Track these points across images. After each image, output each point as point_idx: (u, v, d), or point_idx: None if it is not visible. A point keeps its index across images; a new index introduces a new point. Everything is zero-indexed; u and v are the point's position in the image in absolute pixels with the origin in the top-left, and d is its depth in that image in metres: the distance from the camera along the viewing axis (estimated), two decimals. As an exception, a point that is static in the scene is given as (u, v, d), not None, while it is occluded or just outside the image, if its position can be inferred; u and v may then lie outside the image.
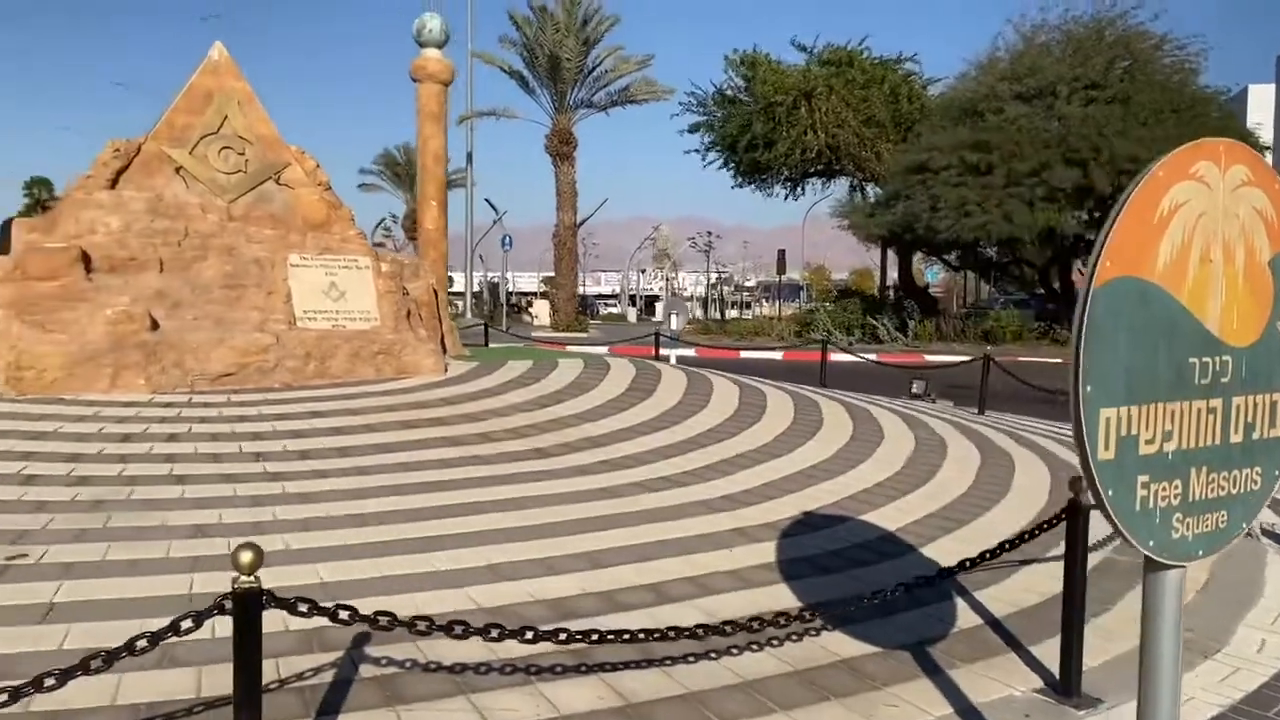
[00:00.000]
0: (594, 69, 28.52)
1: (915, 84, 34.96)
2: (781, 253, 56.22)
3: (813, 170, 34.42)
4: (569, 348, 20.12)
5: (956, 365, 13.06)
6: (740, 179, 34.90)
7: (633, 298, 68.43)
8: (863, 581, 4.06)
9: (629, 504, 4.95)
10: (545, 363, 8.77)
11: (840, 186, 36.01)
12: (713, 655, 3.26)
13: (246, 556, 2.01)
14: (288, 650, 3.09)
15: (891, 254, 45.17)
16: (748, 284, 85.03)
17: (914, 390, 12.07)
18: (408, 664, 3.07)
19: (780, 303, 61.12)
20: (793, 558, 4.33)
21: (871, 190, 36.46)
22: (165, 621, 3.32)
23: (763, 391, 8.42)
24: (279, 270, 7.70)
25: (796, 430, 6.96)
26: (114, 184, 7.57)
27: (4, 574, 3.64)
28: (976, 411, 9.95)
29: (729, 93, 34.96)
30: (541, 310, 43.09)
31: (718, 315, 59.64)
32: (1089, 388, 1.75)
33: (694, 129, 34.48)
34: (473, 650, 3.12)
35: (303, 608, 2.12)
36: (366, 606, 2.44)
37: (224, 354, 6.97)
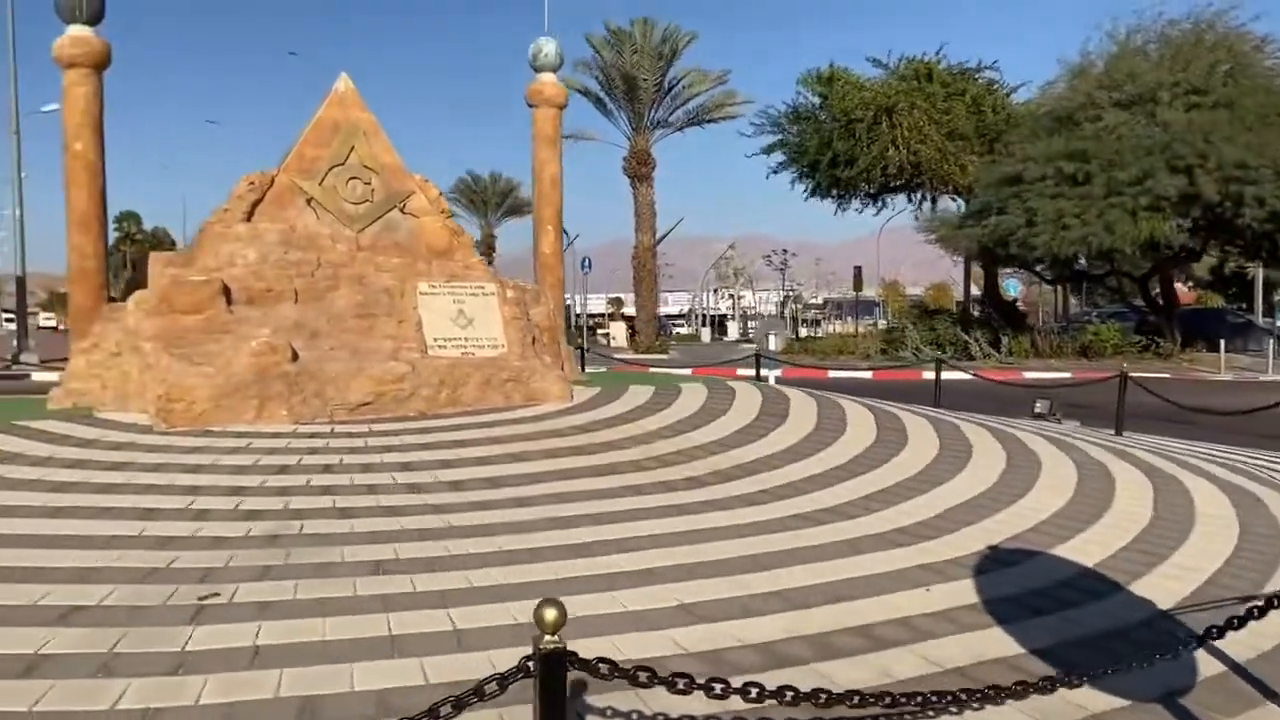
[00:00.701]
0: (671, 88, 28.52)
1: (998, 94, 34.15)
2: (858, 269, 55.45)
3: (894, 185, 33.82)
4: (652, 370, 19.98)
5: (1086, 383, 12.54)
6: (819, 196, 34.47)
7: (701, 317, 68.12)
8: (1079, 624, 3.78)
9: (803, 537, 4.73)
10: (668, 388, 8.61)
11: (920, 201, 35.27)
12: (953, 710, 3.02)
13: (551, 615, 1.86)
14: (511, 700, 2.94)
15: (969, 266, 44.14)
16: (814, 300, 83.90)
17: (1037, 410, 11.59)
18: (634, 716, 2.90)
19: (857, 320, 60.22)
20: (995, 598, 4.06)
21: (954, 201, 35.70)
22: (373, 666, 3.25)
23: (894, 414, 8.12)
24: (409, 298, 7.70)
25: (947, 456, 6.65)
26: (249, 217, 7.68)
27: (201, 614, 3.58)
28: (1113, 433, 9.47)
29: (803, 110, 34.62)
30: (617, 331, 43.11)
31: (792, 333, 58.99)
32: None
33: (770, 149, 34.21)
34: (694, 705, 2.93)
35: (603, 668, 1.95)
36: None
37: (362, 383, 6.97)
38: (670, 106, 28.57)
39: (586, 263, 35.88)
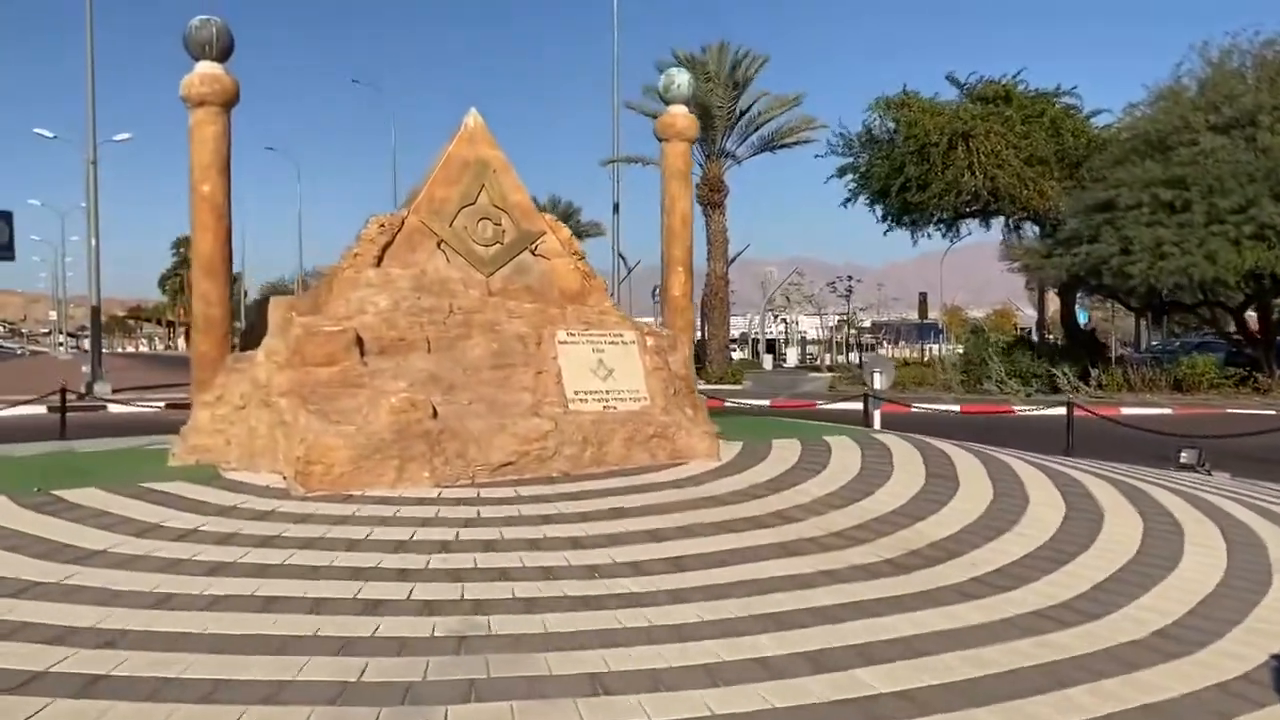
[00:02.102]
0: (743, 114, 28.02)
1: (1077, 118, 33.21)
2: (923, 295, 54.47)
3: (968, 211, 32.97)
4: (727, 402, 19.32)
5: (1194, 420, 11.66)
6: (891, 222, 33.73)
7: (755, 342, 67.20)
8: None
9: (1056, 644, 4.10)
10: (813, 442, 8.02)
11: (999, 227, 34.36)
12: None
13: None
14: None
15: (1043, 294, 42.87)
16: (863, 324, 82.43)
17: (1183, 460, 10.75)
18: None
19: (923, 345, 58.96)
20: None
21: (1031, 228, 34.71)
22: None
23: (1067, 475, 7.43)
24: (546, 347, 7.21)
25: (1157, 532, 5.96)
26: (379, 261, 7.27)
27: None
28: (1290, 491, 8.65)
29: (876, 134, 33.97)
30: (680, 359, 42.47)
31: (855, 360, 57.88)
32: None
33: (841, 172, 33.58)
34: None
35: None
36: None
37: (505, 442, 6.48)
38: (744, 132, 28.12)
39: (655, 292, 35.45)
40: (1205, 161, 22.72)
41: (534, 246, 7.79)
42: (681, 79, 8.44)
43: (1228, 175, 22.09)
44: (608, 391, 7.21)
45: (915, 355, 78.35)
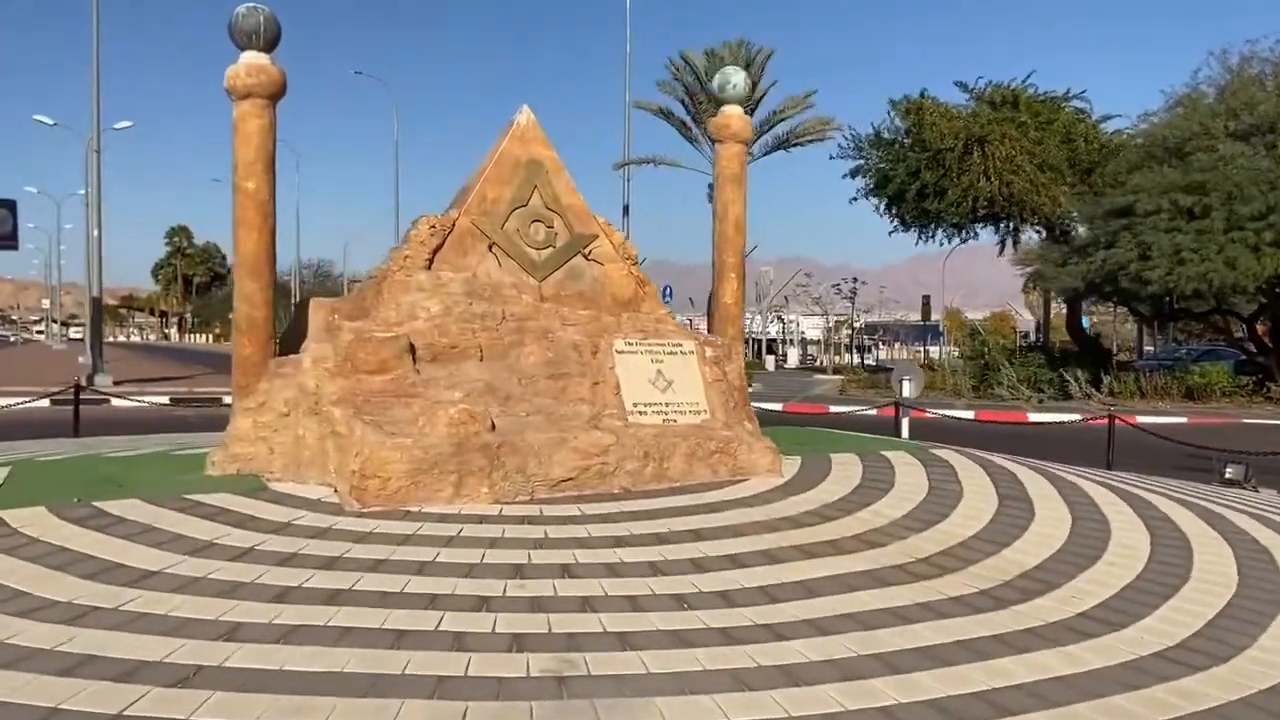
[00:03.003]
0: (755, 110, 27.71)
1: (1088, 123, 33.06)
2: (926, 299, 54.33)
3: (980, 217, 32.76)
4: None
5: (1209, 429, 11.45)
6: (904, 228, 33.53)
7: (754, 342, 66.99)
8: None
9: (1196, 697, 3.84)
10: (871, 457, 7.76)
11: (1007, 233, 34.17)
12: None
13: None
14: None
15: (1048, 299, 42.73)
16: (855, 325, 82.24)
17: (1228, 475, 10.54)
18: None
19: (925, 348, 58.82)
20: None
21: (1034, 233, 34.55)
22: None
23: (1138, 495, 7.19)
24: (603, 357, 6.93)
25: (1252, 563, 5.71)
26: (430, 264, 6.97)
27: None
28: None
29: (886, 135, 33.76)
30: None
31: (856, 361, 57.79)
32: None
33: (854, 174, 33.39)
34: None
35: None
36: None
37: (565, 456, 6.19)
38: (757, 130, 27.80)
39: (668, 291, 35.18)
40: (1225, 168, 22.58)
41: (587, 251, 7.50)
42: (737, 78, 8.15)
43: (1248, 182, 21.95)
44: (667, 404, 6.93)
45: (910, 357, 78.28)
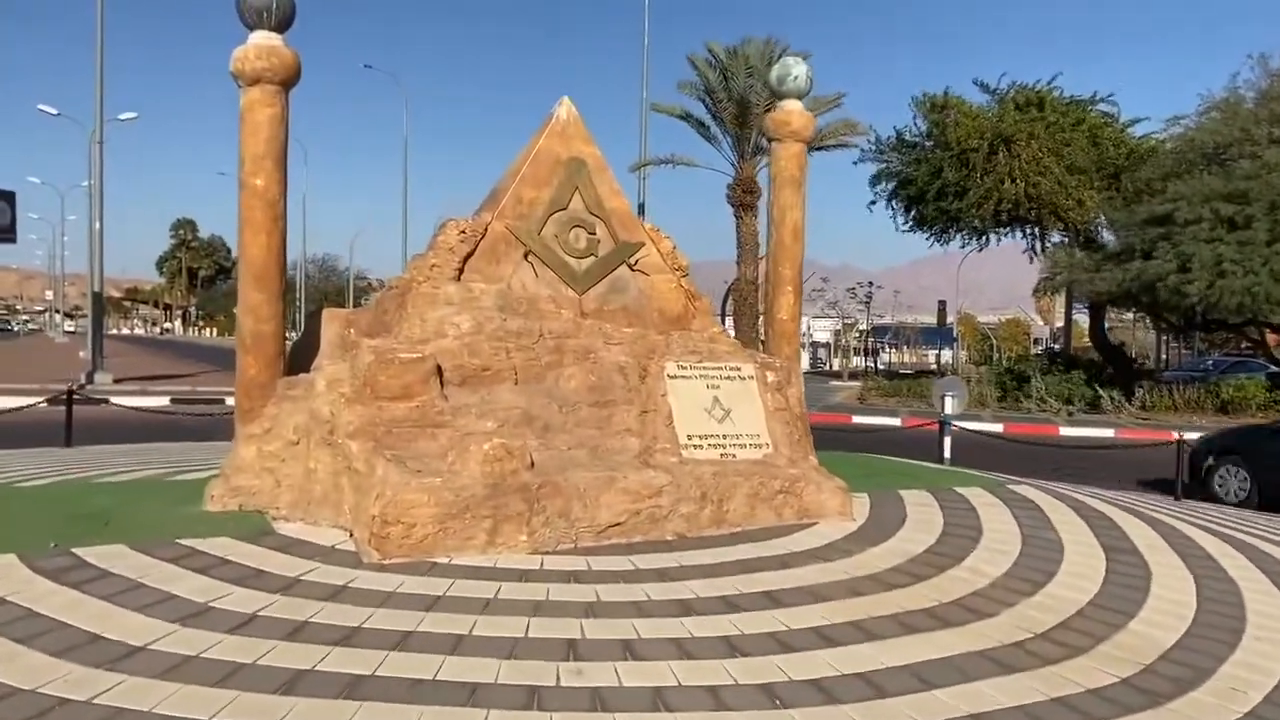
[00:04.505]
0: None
1: (1116, 126, 32.17)
2: (942, 304, 53.45)
3: (1003, 219, 31.88)
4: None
5: None
6: (924, 229, 32.68)
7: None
8: None
9: None
10: (946, 494, 6.98)
11: (1033, 237, 33.30)
12: None
13: None
14: None
15: (1070, 307, 41.85)
16: (863, 329, 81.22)
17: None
18: None
19: (939, 352, 57.87)
20: None
21: (1059, 236, 33.70)
22: None
23: (1252, 545, 6.39)
24: (653, 382, 6.14)
25: None
26: (459, 273, 6.19)
27: None
28: None
29: (909, 138, 32.92)
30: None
31: (870, 365, 56.92)
32: None
33: (876, 178, 32.56)
34: None
35: None
36: None
37: (614, 499, 5.41)
38: (780, 131, 27.00)
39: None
40: (1269, 175, 21.68)
41: (633, 261, 6.72)
42: (799, 69, 7.34)
43: (1293, 191, 21.07)
44: (724, 436, 6.14)
45: (915, 360, 77.30)
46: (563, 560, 5.16)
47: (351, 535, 5.27)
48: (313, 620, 4.20)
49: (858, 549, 5.57)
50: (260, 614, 4.25)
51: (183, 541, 5.14)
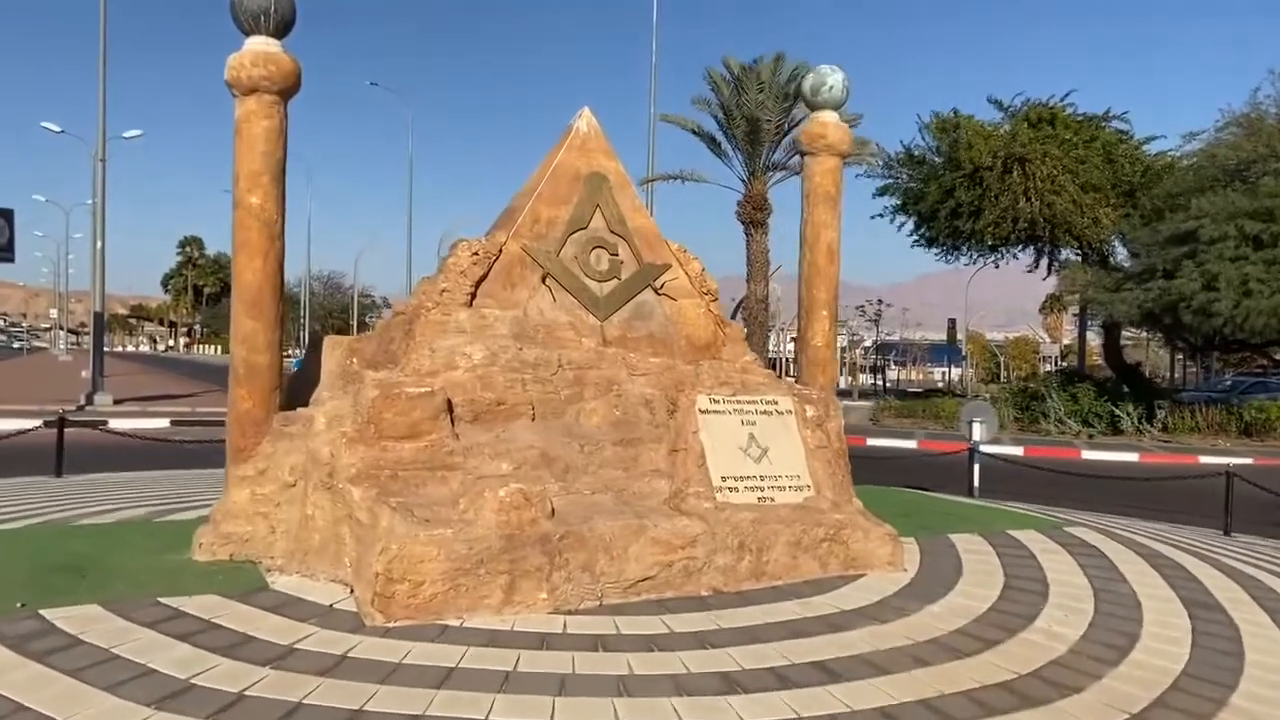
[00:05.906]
0: (793, 127, 26.41)
1: (1131, 143, 31.72)
2: (952, 321, 52.91)
3: (1016, 238, 31.38)
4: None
5: None
6: (934, 247, 32.19)
7: (770, 362, 65.45)
8: None
9: None
10: (997, 536, 6.43)
11: (1046, 255, 32.79)
12: None
13: None
14: None
15: (1084, 326, 41.29)
16: (866, 346, 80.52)
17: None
18: None
19: (949, 369, 57.29)
20: None
21: (1076, 256, 33.19)
22: None
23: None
24: (684, 418, 5.61)
25: None
26: (472, 299, 5.68)
27: None
28: None
29: (917, 153, 32.48)
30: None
31: (877, 383, 56.21)
32: None
33: (883, 192, 32.09)
34: None
35: None
36: None
37: (644, 550, 4.88)
38: (791, 149, 26.53)
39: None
40: (1291, 193, 21.19)
41: (658, 284, 6.21)
42: (835, 79, 6.85)
43: (1318, 209, 20.57)
44: (762, 478, 5.60)
45: (922, 378, 76.63)
46: (587, 621, 4.62)
47: (352, 592, 4.74)
48: (307, 702, 3.65)
49: (914, 607, 5.01)
50: (248, 693, 3.71)
51: (165, 601, 4.61)
